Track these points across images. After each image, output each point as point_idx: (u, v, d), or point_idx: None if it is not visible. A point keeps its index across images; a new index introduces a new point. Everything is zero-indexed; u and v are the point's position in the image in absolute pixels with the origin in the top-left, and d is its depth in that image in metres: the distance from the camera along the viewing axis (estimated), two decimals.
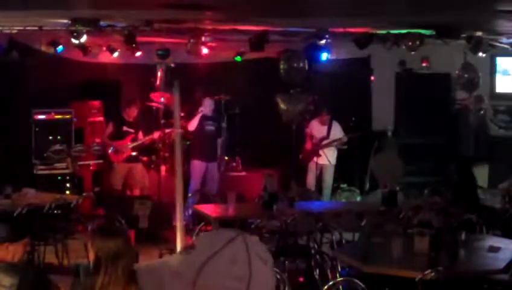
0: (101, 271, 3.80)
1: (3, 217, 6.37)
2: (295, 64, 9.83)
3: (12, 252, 3.87)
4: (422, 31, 9.59)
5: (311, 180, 11.71)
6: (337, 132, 11.73)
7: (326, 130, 11.70)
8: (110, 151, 11.27)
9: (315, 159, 11.67)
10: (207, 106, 11.44)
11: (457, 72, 10.24)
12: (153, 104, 12.71)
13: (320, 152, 11.61)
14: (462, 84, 10.20)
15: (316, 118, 11.69)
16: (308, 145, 11.84)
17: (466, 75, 10.00)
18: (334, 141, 11.65)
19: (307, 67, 9.95)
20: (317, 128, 11.77)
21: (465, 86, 10.18)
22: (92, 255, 3.91)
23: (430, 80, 12.46)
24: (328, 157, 11.61)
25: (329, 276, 7.25)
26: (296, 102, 9.79)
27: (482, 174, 11.77)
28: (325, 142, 11.64)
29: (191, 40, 9.98)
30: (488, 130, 12.40)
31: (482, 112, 11.03)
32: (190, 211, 9.50)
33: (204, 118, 11.40)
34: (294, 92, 9.81)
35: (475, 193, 9.19)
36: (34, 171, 10.93)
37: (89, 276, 3.89)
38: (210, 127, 11.51)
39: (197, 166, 11.41)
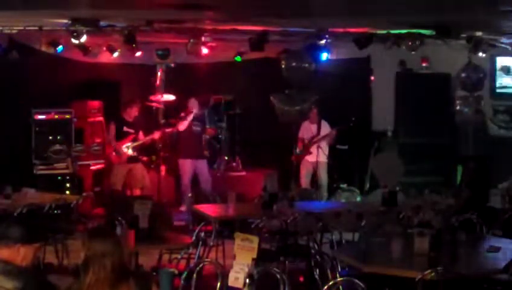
0: (89, 270, 3.85)
1: (18, 219, 6.33)
2: (294, 64, 9.79)
3: (23, 254, 3.82)
4: (422, 31, 9.59)
5: (304, 179, 11.70)
6: (326, 130, 11.76)
7: (316, 128, 11.75)
8: (114, 154, 11.32)
9: (306, 157, 11.68)
10: (193, 107, 11.56)
11: (462, 73, 10.11)
12: (153, 104, 12.71)
13: (311, 150, 11.62)
14: (465, 84, 10.12)
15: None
16: (299, 146, 11.86)
17: (472, 75, 9.93)
18: (324, 136, 11.66)
19: (312, 67, 9.91)
20: (307, 128, 11.78)
21: (470, 86, 10.08)
22: (82, 255, 3.97)
23: (430, 80, 12.44)
24: (319, 154, 11.61)
25: (329, 276, 7.25)
26: (291, 102, 9.74)
27: None
28: (315, 139, 11.66)
29: (191, 40, 9.98)
30: (488, 130, 12.39)
31: (479, 112, 10.97)
32: (190, 211, 9.49)
33: (192, 119, 11.56)
34: (290, 92, 9.77)
35: (487, 192, 9.20)
36: (34, 171, 10.94)
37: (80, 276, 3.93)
38: (197, 128, 11.67)
39: (186, 165, 11.53)
